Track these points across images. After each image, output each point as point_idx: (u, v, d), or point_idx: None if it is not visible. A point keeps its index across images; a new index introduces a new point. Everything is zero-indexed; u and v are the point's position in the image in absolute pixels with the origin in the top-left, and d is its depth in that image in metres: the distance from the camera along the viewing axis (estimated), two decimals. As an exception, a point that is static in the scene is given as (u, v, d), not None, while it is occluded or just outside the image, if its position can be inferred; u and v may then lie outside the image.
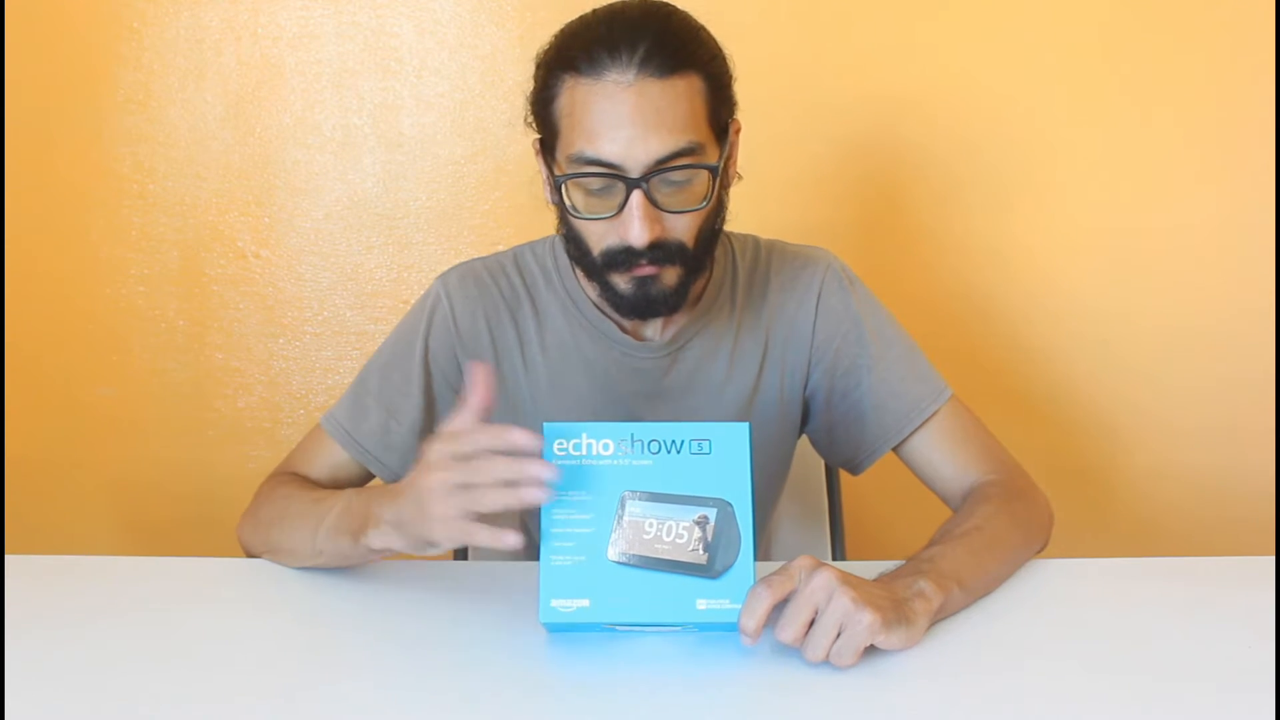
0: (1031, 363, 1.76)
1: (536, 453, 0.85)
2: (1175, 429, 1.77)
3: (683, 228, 1.01)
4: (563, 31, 1.03)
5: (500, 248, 1.20)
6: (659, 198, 0.98)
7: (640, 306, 1.04)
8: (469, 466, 0.85)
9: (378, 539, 0.93)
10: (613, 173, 0.97)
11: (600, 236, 1.01)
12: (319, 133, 1.72)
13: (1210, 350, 1.74)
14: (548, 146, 1.03)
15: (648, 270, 1.01)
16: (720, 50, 1.03)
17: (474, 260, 1.18)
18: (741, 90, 1.05)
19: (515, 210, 1.72)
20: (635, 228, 0.97)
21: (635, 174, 0.97)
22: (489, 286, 1.15)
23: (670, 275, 1.02)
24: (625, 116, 0.96)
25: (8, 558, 1.07)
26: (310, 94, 1.71)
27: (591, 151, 0.97)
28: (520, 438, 0.85)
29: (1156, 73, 1.67)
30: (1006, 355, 1.76)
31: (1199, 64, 1.66)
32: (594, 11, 1.02)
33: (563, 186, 1.01)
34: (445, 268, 1.18)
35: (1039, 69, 1.67)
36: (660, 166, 0.96)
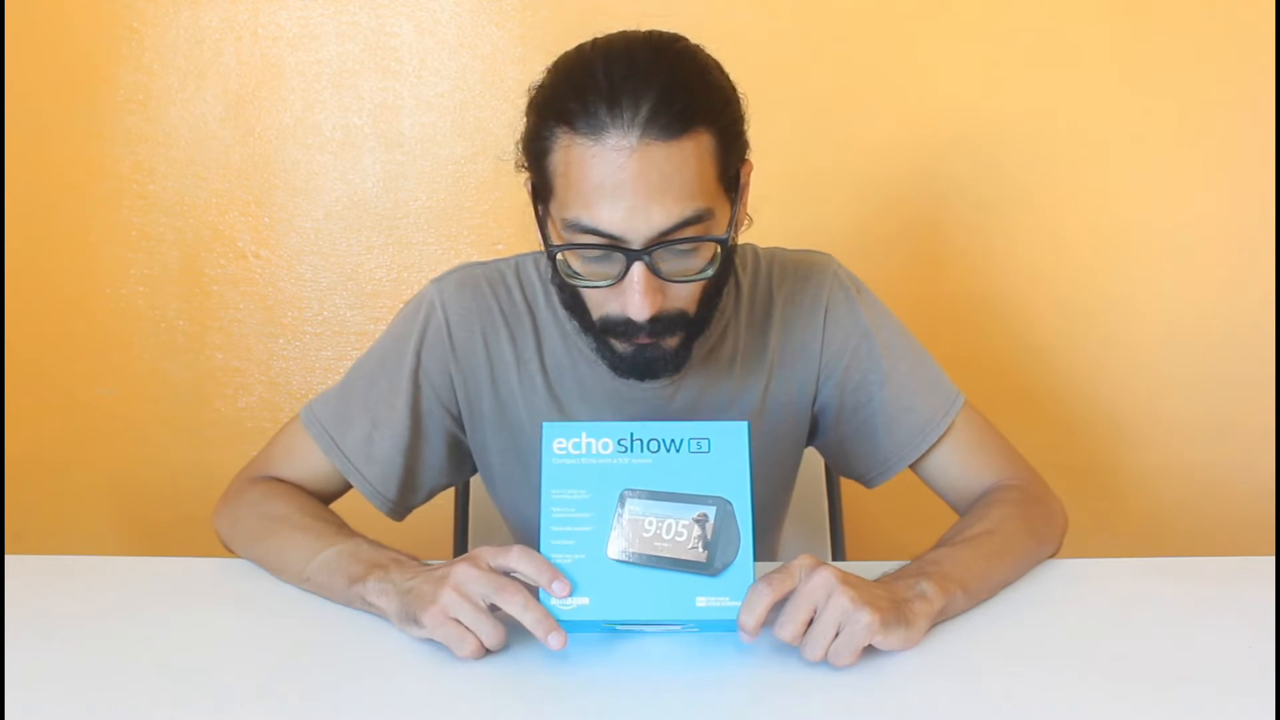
0: (1035, 361, 1.76)
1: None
2: (1178, 427, 1.77)
3: (686, 296, 0.95)
4: (558, 69, 0.94)
5: (500, 248, 1.19)
6: (662, 267, 0.91)
7: (639, 370, 0.98)
8: (496, 584, 0.86)
9: (376, 594, 0.92)
10: (611, 245, 0.90)
11: (599, 303, 0.96)
12: (319, 133, 1.72)
13: (1212, 348, 1.74)
14: (540, 194, 0.96)
15: (647, 340, 0.96)
16: (732, 91, 0.95)
17: (473, 265, 1.12)
18: (752, 98, 0.98)
19: (515, 210, 1.72)
20: (636, 302, 0.91)
21: (636, 245, 0.90)
22: (487, 297, 1.10)
23: (672, 342, 0.97)
24: (626, 185, 0.88)
25: (8, 558, 1.07)
26: (310, 94, 1.71)
27: (589, 220, 0.89)
28: (560, 590, 0.86)
29: (1158, 73, 1.67)
30: (1010, 354, 1.76)
31: (1200, 64, 1.66)
32: (594, 46, 0.94)
33: (558, 253, 0.94)
34: (445, 268, 1.14)
35: (1041, 70, 1.67)
36: (664, 239, 0.90)
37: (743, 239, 1.11)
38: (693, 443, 0.89)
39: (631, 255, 0.90)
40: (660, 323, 0.94)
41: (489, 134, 1.71)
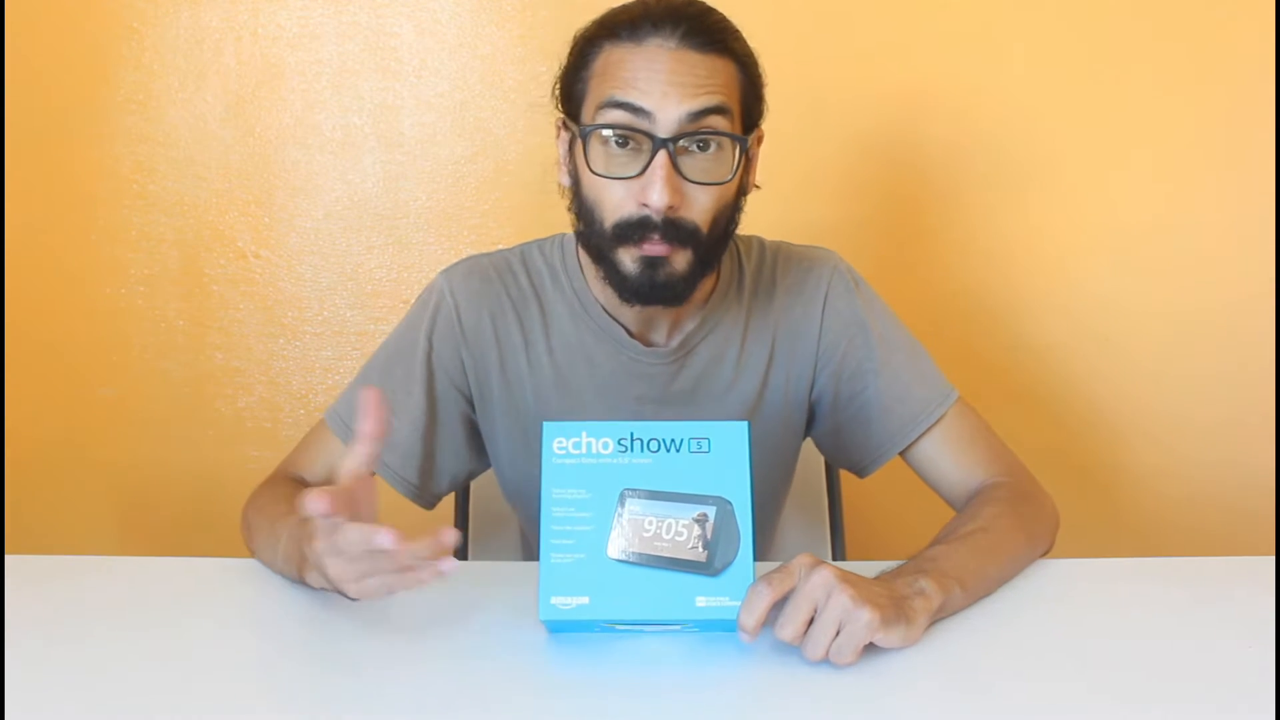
0: (1034, 361, 1.76)
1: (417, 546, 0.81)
2: (1178, 426, 1.77)
3: (701, 206, 0.99)
4: (604, 14, 1.03)
5: (501, 248, 1.19)
6: (683, 166, 0.97)
7: (644, 290, 1.01)
8: (365, 562, 0.83)
9: (315, 581, 0.92)
10: (640, 128, 0.96)
11: (616, 205, 0.99)
12: (319, 133, 1.72)
13: (1212, 347, 1.74)
14: (573, 117, 1.02)
15: (659, 249, 0.99)
16: (755, 57, 1.03)
17: (479, 256, 1.16)
18: None
19: (515, 210, 1.73)
20: (657, 188, 0.96)
21: (664, 131, 0.96)
22: (494, 283, 1.14)
23: (680, 260, 1.00)
24: (662, 72, 0.96)
25: (8, 558, 1.07)
26: (310, 94, 1.71)
27: (622, 95, 0.96)
28: (384, 540, 0.79)
29: (1158, 70, 1.67)
30: (1009, 354, 1.76)
31: (1200, 60, 1.66)
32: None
33: (587, 139, 0.99)
34: (445, 267, 1.16)
35: (1042, 67, 1.67)
36: (690, 128, 0.96)
37: (747, 232, 1.12)
38: (693, 442, 0.89)
39: (657, 142, 0.96)
40: (675, 226, 0.98)
41: (489, 134, 1.71)
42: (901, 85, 1.68)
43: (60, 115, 1.72)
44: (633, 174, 0.98)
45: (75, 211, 1.75)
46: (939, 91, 1.68)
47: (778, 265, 1.16)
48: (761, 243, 1.18)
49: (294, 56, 1.70)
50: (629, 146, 0.98)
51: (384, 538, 0.79)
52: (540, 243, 1.17)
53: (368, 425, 0.86)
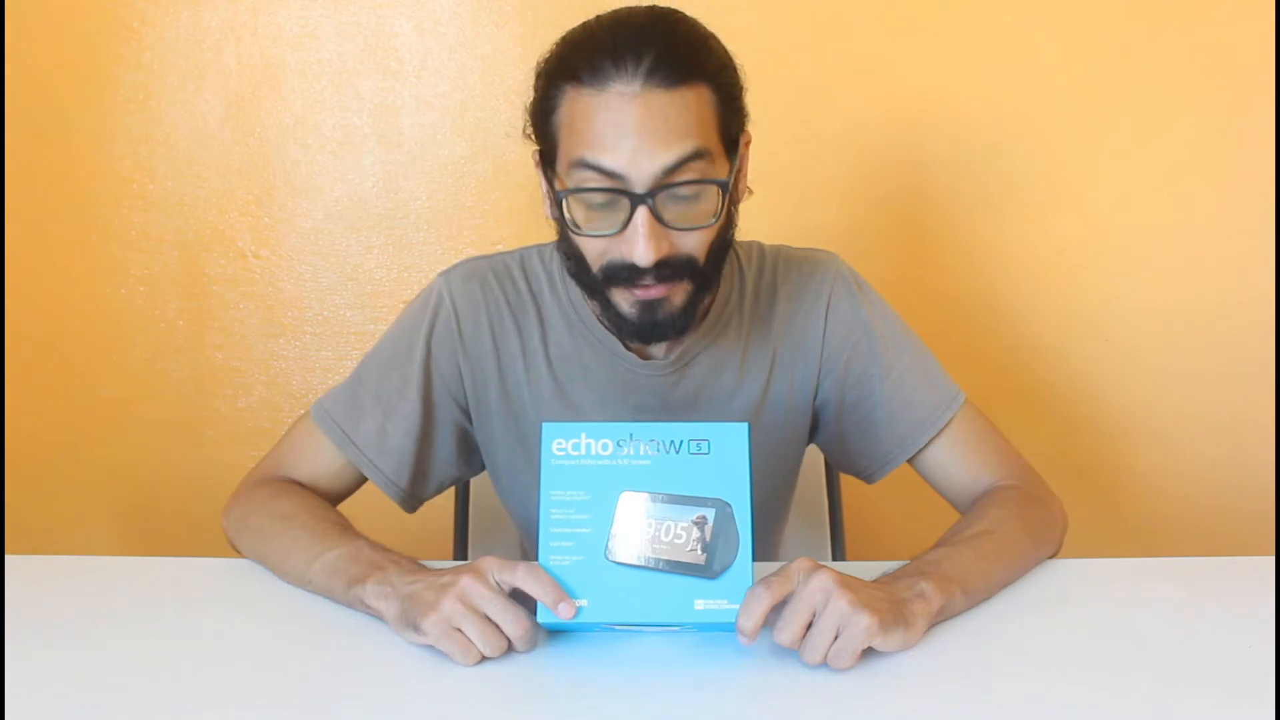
0: (1036, 360, 1.76)
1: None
2: (1179, 425, 1.77)
3: (692, 244, 0.96)
4: (564, 40, 0.98)
5: (500, 248, 1.19)
6: (665, 214, 0.93)
7: (645, 331, 0.99)
8: (502, 604, 0.86)
9: (375, 597, 0.92)
10: (616, 187, 0.92)
11: (601, 253, 0.96)
12: (319, 133, 1.72)
13: (1212, 346, 1.74)
14: (547, 159, 0.99)
15: (654, 292, 0.96)
16: (730, 60, 0.98)
17: (479, 259, 1.14)
18: (748, 94, 1.01)
19: (515, 211, 1.72)
20: (640, 247, 0.92)
21: (640, 188, 0.92)
22: (493, 288, 1.12)
23: (679, 295, 0.97)
24: (630, 127, 0.91)
25: (8, 558, 1.07)
26: (310, 94, 1.71)
27: (593, 158, 0.92)
28: (566, 612, 0.85)
29: (1158, 71, 1.67)
30: (1011, 354, 1.76)
31: (1200, 61, 1.66)
32: (597, 19, 0.97)
33: (564, 201, 0.95)
34: (445, 268, 1.15)
35: (1042, 68, 1.67)
36: (667, 180, 0.92)
37: (747, 237, 1.11)
38: (692, 444, 0.89)
39: (635, 199, 0.92)
40: (669, 268, 0.95)
41: (489, 134, 1.71)
42: (903, 89, 1.68)
43: (60, 115, 1.72)
44: (613, 231, 0.94)
45: (75, 211, 1.75)
46: (940, 95, 1.68)
47: (778, 270, 1.14)
48: (761, 248, 1.15)
49: (294, 56, 1.70)
50: (607, 203, 0.94)
51: (565, 608, 0.86)
52: (540, 248, 1.14)
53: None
